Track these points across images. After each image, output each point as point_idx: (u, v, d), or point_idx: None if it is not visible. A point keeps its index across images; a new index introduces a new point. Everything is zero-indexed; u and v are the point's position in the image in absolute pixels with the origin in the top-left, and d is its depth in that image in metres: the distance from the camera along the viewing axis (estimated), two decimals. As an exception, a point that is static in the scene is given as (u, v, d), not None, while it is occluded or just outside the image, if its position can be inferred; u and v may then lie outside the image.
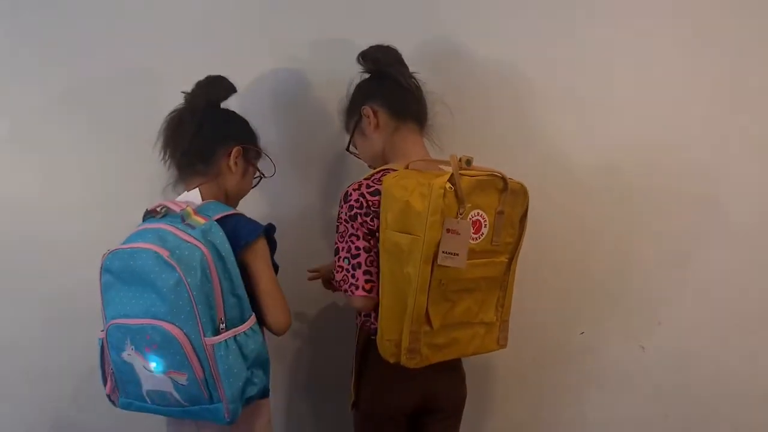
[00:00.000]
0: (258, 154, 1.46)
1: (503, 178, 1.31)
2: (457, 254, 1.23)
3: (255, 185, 1.50)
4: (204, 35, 1.71)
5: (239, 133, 1.42)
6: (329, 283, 1.62)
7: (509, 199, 1.32)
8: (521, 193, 1.36)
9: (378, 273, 1.33)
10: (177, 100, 1.38)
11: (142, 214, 1.36)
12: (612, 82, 1.76)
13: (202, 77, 1.39)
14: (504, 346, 1.43)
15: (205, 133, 1.36)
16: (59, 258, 1.72)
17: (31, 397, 1.75)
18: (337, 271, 1.37)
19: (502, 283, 1.39)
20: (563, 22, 1.75)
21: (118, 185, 1.72)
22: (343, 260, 1.36)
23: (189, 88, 1.38)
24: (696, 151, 1.77)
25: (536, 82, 1.76)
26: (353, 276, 1.34)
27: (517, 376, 1.84)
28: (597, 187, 1.79)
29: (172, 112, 1.38)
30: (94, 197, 1.73)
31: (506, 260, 1.37)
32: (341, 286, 1.37)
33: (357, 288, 1.33)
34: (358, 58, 1.48)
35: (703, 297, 1.82)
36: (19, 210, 1.72)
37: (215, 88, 1.39)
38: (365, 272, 1.33)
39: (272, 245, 1.38)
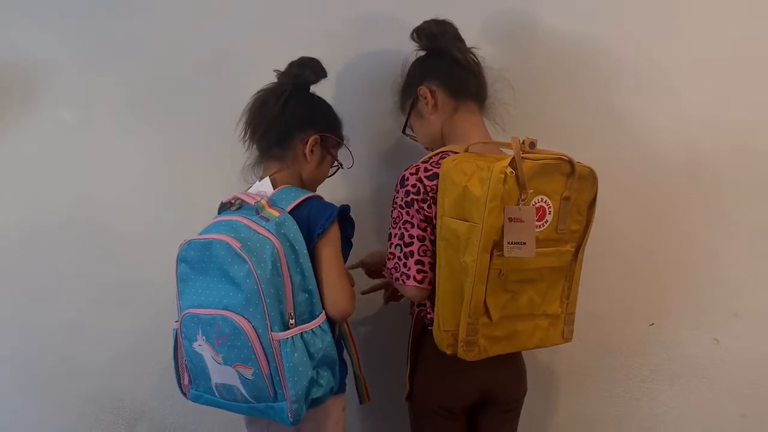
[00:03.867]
0: (338, 143, 1.41)
1: (570, 162, 1.23)
2: (524, 243, 1.17)
3: (332, 174, 1.45)
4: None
5: (319, 121, 1.37)
6: (373, 272, 1.56)
7: (576, 185, 1.24)
8: (590, 177, 1.28)
9: (431, 263, 1.28)
10: (236, 94, 1.36)
11: (212, 205, 1.36)
12: (692, 61, 1.67)
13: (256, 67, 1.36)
14: (569, 339, 1.36)
15: (286, 117, 1.33)
16: (131, 248, 1.71)
17: (94, 382, 1.76)
18: (389, 258, 1.33)
19: (568, 273, 1.32)
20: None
21: (189, 175, 1.70)
22: (395, 247, 1.31)
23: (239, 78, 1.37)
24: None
25: (611, 58, 1.66)
26: (405, 265, 1.29)
27: (581, 370, 1.76)
28: (670, 172, 1.69)
29: (259, 92, 1.35)
30: (165, 188, 1.71)
31: (572, 249, 1.30)
32: (392, 274, 1.32)
33: (408, 278, 1.29)
34: (412, 35, 1.41)
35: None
36: (94, 201, 1.71)
37: (305, 70, 1.34)
38: (417, 262, 1.28)
39: (350, 225, 1.34)
